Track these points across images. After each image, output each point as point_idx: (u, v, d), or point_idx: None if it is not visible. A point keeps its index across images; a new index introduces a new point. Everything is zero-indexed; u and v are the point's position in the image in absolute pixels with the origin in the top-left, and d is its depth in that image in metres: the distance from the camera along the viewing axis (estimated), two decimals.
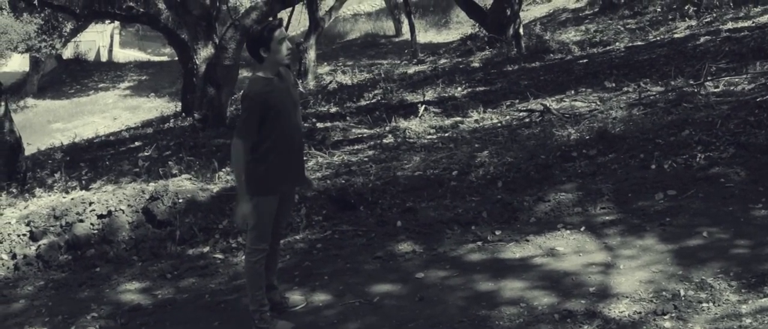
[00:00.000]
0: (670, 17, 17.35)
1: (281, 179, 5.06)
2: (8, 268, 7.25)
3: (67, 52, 32.87)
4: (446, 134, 10.16)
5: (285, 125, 4.97)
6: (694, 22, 16.28)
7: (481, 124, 10.55)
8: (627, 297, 4.93)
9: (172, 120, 18.31)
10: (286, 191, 5.21)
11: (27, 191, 10.50)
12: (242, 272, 6.33)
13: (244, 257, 5.30)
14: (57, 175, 11.01)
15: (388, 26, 31.84)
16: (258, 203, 5.01)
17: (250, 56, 5.04)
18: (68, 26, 24.78)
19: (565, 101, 10.93)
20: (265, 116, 4.86)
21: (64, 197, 8.85)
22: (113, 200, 7.78)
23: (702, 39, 13.85)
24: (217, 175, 9.15)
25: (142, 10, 19.66)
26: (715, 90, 9.76)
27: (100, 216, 7.65)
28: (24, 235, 7.63)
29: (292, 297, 5.54)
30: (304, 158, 5.57)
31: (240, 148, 4.90)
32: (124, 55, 37.02)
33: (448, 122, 10.97)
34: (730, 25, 14.74)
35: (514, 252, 5.96)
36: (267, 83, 4.92)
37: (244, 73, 26.62)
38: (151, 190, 7.97)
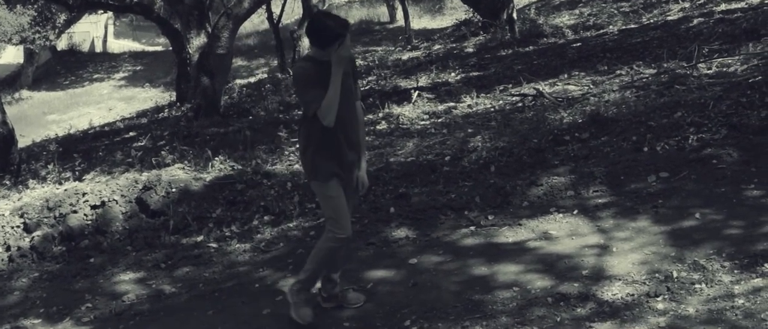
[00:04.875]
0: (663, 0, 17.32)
1: (332, 165, 4.76)
2: (2, 260, 7.25)
3: (62, 44, 32.72)
4: (439, 120, 10.15)
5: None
6: (687, 4, 16.23)
7: (474, 109, 10.54)
8: (620, 279, 4.94)
9: (166, 110, 18.27)
10: (345, 178, 4.86)
11: (20, 183, 10.47)
12: (237, 262, 6.35)
13: (322, 240, 4.99)
14: (50, 166, 10.98)
15: (382, 13, 31.78)
16: (324, 190, 4.79)
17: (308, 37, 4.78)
18: (62, 17, 24.63)
19: (558, 85, 10.93)
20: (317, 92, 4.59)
21: (57, 189, 8.84)
22: (106, 190, 7.77)
23: (695, 21, 13.81)
24: (210, 164, 9.12)
25: (135, 0, 19.57)
26: (708, 72, 9.75)
27: (93, 207, 7.65)
28: (18, 227, 7.63)
29: (350, 294, 5.29)
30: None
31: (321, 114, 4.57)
32: (119, 45, 36.87)
33: (441, 107, 10.97)
34: (723, 7, 14.68)
35: (507, 236, 5.96)
36: (315, 63, 4.67)
37: (238, 62, 26.59)
38: (144, 180, 7.96)
